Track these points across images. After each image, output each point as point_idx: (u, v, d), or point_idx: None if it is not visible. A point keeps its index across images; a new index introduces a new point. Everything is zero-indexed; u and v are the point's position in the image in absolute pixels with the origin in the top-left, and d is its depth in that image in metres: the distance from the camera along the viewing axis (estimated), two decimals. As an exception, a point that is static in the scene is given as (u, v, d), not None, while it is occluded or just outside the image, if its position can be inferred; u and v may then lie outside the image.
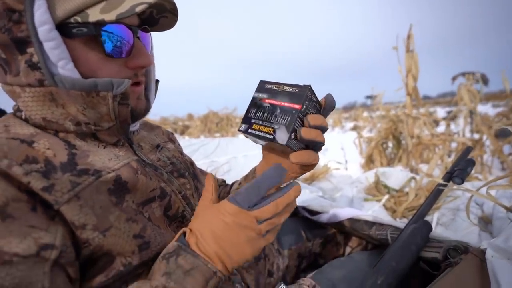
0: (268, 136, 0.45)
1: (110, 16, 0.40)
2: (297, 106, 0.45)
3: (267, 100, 0.48)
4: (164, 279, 0.38)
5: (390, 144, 2.57)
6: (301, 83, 0.47)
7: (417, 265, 0.74)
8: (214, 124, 7.37)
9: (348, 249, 1.04)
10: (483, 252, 0.65)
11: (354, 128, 6.80)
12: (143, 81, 0.51)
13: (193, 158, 0.74)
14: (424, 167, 1.98)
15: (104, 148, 0.48)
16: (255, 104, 0.49)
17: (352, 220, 0.92)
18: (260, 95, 0.48)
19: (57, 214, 0.37)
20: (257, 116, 0.48)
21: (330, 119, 8.70)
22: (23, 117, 0.45)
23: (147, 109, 0.54)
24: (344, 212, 0.94)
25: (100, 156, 0.45)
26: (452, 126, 2.98)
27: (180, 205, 0.54)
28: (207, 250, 0.40)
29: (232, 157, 1.87)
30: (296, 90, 0.46)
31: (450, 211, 1.14)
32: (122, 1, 0.42)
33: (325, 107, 0.50)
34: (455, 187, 0.91)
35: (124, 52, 0.45)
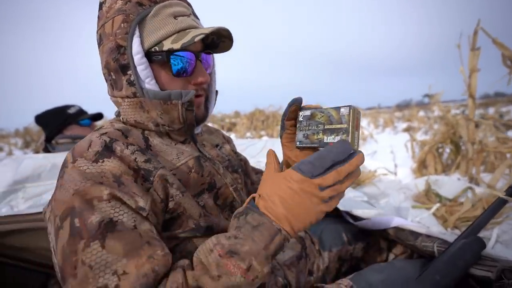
0: None
1: (177, 45, 0.54)
2: None
3: None
4: (235, 231, 0.47)
5: (447, 149, 2.37)
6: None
7: (465, 282, 0.71)
8: (260, 122, 7.49)
9: (391, 256, 1.02)
10: (543, 276, 0.61)
11: (408, 129, 6.33)
12: (203, 94, 0.64)
13: (242, 158, 0.85)
14: (487, 177, 1.79)
15: (175, 145, 0.62)
16: None
17: (397, 228, 0.91)
18: None
19: (153, 178, 0.52)
20: None
21: (380, 119, 8.18)
22: (122, 120, 0.62)
23: (205, 117, 0.66)
24: (389, 220, 0.93)
25: (168, 156, 0.59)
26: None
27: (229, 196, 0.66)
28: (276, 212, 0.46)
29: (277, 158, 1.91)
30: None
31: (513, 228, 1.04)
32: (187, 33, 0.55)
33: None
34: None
35: (187, 72, 0.59)
